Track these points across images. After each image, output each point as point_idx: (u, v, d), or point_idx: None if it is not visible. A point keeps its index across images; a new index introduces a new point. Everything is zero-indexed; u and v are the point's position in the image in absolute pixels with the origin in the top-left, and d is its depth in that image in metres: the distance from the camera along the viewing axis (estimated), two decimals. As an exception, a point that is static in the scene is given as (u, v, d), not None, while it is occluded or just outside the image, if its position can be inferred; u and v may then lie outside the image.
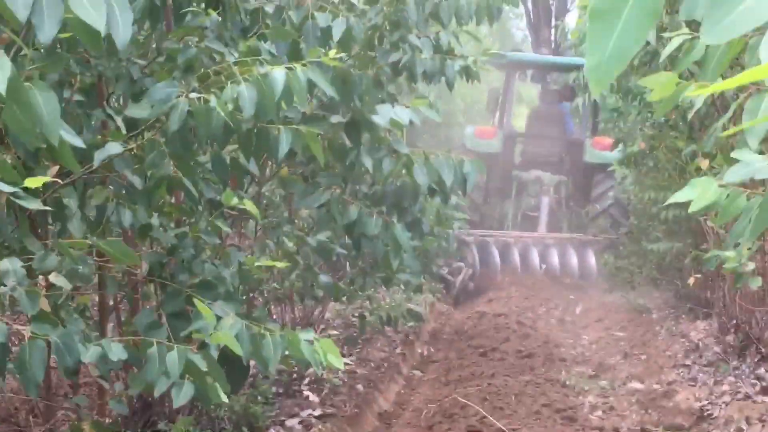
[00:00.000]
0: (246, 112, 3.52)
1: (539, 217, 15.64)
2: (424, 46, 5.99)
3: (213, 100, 3.42)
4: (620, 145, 11.00)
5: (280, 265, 4.16)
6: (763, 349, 8.44)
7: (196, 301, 3.34)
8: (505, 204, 16.51)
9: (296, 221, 5.44)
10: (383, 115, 4.68)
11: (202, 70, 3.75)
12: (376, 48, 6.09)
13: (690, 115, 9.32)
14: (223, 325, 3.40)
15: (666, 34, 3.51)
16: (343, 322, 10.05)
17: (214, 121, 3.46)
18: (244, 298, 4.82)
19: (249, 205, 4.05)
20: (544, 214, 15.63)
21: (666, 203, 11.74)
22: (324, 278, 5.46)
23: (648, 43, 7.89)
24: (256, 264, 4.12)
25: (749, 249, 5.20)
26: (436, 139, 19.11)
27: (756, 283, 5.15)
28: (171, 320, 3.64)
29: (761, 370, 8.23)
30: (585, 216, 15.76)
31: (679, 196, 2.45)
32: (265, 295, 6.22)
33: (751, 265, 5.13)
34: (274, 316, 8.04)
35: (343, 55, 4.94)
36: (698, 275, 10.18)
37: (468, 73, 6.22)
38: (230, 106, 3.50)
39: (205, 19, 4.23)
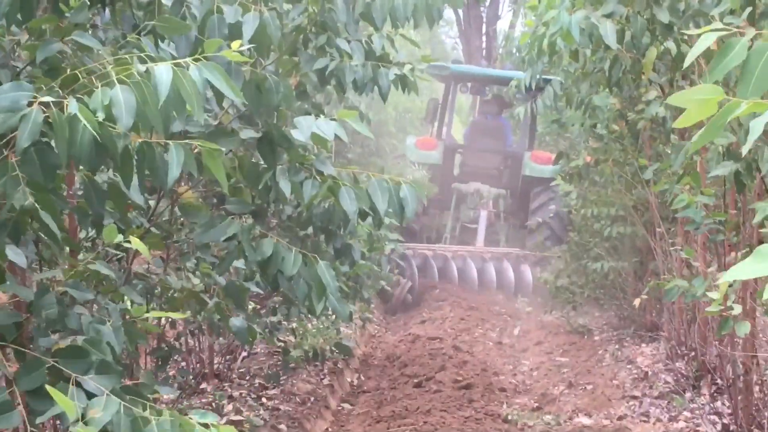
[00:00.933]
0: (122, 123, 2.70)
1: (478, 231, 15.58)
2: (354, 52, 5.20)
3: (74, 106, 2.59)
4: (563, 159, 10.32)
5: (176, 316, 3.36)
6: (719, 381, 7.81)
7: (49, 388, 2.50)
8: (444, 215, 16.49)
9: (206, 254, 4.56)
10: (303, 129, 3.88)
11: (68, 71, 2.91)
12: (300, 52, 5.26)
13: (641, 126, 8.76)
14: (94, 407, 2.59)
15: (689, 32, 2.75)
16: (267, 349, 9.22)
17: (79, 136, 2.64)
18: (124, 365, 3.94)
19: (136, 243, 3.23)
20: (483, 227, 15.59)
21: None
22: (236, 322, 4.62)
23: (605, 47, 7.26)
24: (146, 315, 3.29)
25: (730, 286, 4.49)
26: (366, 150, 18.32)
27: (744, 329, 4.45)
28: (29, 399, 2.80)
29: (719, 404, 7.61)
30: (524, 230, 15.71)
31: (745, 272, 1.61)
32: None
33: (738, 308, 4.41)
34: (182, 364, 7.18)
35: (256, 58, 4.14)
36: (644, 296, 9.50)
37: (404, 82, 5.46)
38: (101, 116, 2.67)
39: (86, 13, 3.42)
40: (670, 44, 6.56)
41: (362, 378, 10.04)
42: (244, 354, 8.88)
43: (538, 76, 8.89)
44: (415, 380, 9.42)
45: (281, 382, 8.43)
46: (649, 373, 9.04)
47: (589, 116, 9.60)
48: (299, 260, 3.95)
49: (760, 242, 6.50)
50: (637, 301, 8.15)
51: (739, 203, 6.25)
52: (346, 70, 5.23)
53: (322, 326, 9.22)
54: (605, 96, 8.94)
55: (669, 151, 10.23)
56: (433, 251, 14.83)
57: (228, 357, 8.64)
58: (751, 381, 6.73)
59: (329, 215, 5.05)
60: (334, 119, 3.99)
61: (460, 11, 34.35)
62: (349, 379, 9.83)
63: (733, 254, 7.55)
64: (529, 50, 8.14)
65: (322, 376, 9.23)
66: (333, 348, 8.15)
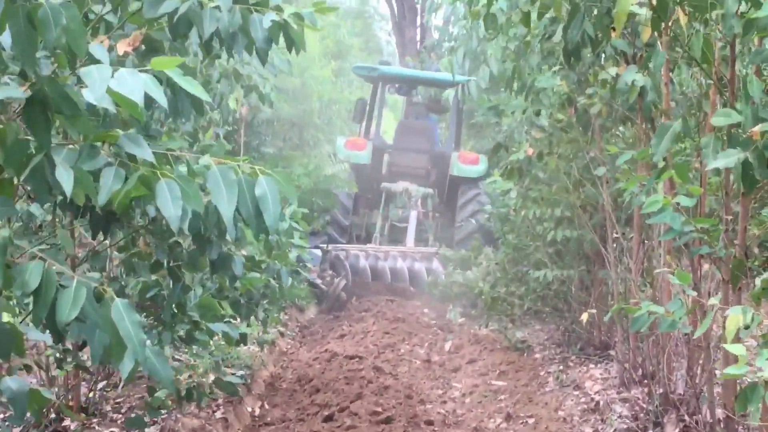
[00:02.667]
0: None
1: (407, 231, 15.82)
2: (214, -11, 3.72)
3: None
4: (500, 152, 8.88)
5: None
6: (687, 418, 6.44)
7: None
8: (373, 215, 16.62)
9: None
10: (95, 84, 2.38)
11: None
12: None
13: (595, 110, 7.37)
14: None
15: None
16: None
17: None
18: None
19: None
20: (412, 227, 15.83)
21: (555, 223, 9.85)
22: (11, 383, 3.06)
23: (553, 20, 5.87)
24: None
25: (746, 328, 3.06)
26: (289, 144, 16.83)
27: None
28: None
29: (689, 448, 6.24)
30: (452, 228, 16.13)
31: None
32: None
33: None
34: None
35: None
36: (592, 310, 8.21)
37: (287, 34, 3.96)
38: None
39: None
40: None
41: (266, 407, 8.51)
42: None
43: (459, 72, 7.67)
44: (326, 411, 7.93)
45: (163, 415, 6.86)
46: (601, 402, 7.67)
47: (532, 101, 8.21)
48: (82, 296, 2.42)
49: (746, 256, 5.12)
50: (584, 316, 6.95)
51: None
52: (206, 15, 3.72)
53: (215, 348, 7.72)
54: (550, 76, 7.55)
55: (620, 141, 8.94)
56: (365, 251, 14.90)
57: (103, 384, 7.10)
58: (735, 429, 5.37)
59: (199, 218, 3.58)
60: (146, 70, 2.48)
61: (394, 2, 33.03)
62: (250, 408, 8.29)
63: (706, 266, 6.24)
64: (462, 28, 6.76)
65: (215, 407, 7.69)
66: (212, 387, 6.61)
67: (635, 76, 5.61)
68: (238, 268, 5.23)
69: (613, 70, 6.47)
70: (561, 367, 9.17)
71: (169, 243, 5.22)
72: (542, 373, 9.29)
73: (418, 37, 31.88)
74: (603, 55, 6.97)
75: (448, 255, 13.69)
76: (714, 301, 4.11)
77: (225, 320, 6.01)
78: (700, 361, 6.18)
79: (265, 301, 6.85)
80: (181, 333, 5.64)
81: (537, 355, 10.13)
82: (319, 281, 13.78)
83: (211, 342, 6.38)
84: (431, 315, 13.00)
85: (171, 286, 5.30)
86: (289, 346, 11.30)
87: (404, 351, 10.76)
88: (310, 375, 9.44)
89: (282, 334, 11.22)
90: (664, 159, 4.56)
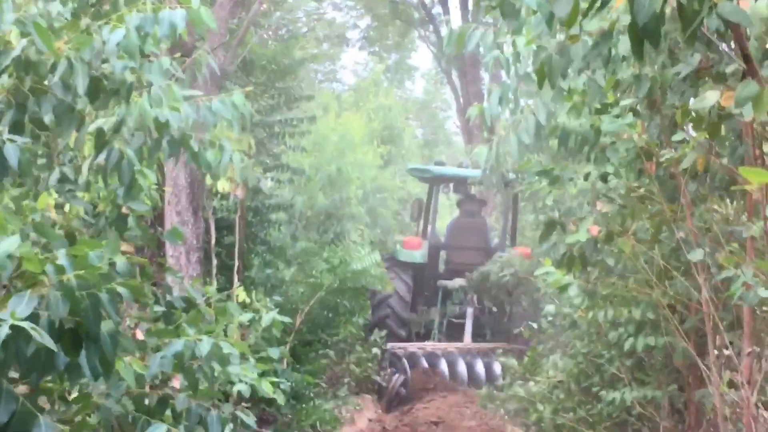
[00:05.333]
0: None
1: (465, 327, 16.17)
2: None
3: None
4: (555, 233, 6.54)
5: None
6: None
7: None
8: (431, 311, 17.01)
9: None
10: None
11: None
12: None
13: (686, 164, 5.06)
14: None
15: None
16: None
17: None
18: None
19: None
20: (469, 323, 16.20)
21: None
22: None
23: None
24: None
25: None
26: (325, 237, 14.71)
27: None
28: None
29: None
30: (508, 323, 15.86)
31: None
32: None
33: None
34: None
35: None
36: None
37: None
38: None
39: None
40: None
41: None
42: None
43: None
44: None
45: None
46: None
47: (595, 160, 5.92)
48: None
49: None
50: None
51: None
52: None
53: None
54: (613, 119, 5.29)
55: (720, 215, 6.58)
56: (423, 349, 15.37)
57: None
58: None
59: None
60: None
61: (459, 89, 31.13)
62: None
63: None
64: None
65: None
66: None
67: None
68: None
69: (714, 97, 4.16)
70: None
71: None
72: None
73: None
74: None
75: (508, 364, 11.34)
76: None
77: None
78: None
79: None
80: None
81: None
82: (378, 378, 14.05)
83: None
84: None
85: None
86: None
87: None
88: None
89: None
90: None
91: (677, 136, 5.06)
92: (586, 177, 6.31)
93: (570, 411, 8.22)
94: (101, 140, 4.84)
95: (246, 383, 4.99)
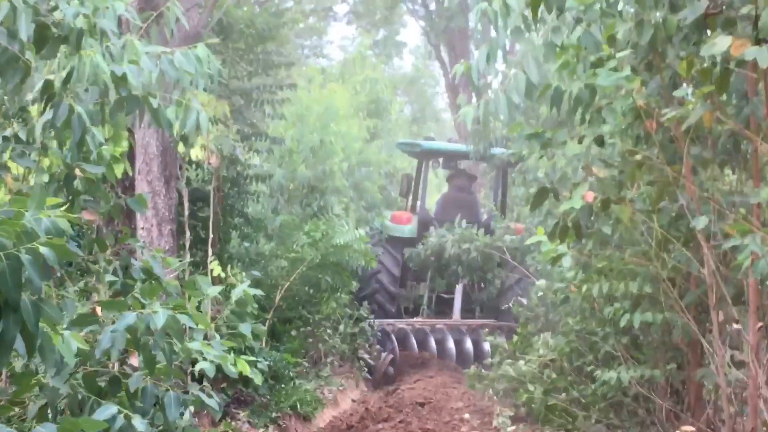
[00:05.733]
0: None
1: (454, 303, 16.15)
2: None
3: None
4: (547, 200, 6.10)
5: None
6: None
7: None
8: (420, 287, 16.98)
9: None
10: None
11: None
12: None
13: (692, 120, 4.62)
14: None
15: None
16: None
17: None
18: None
19: None
20: (458, 299, 16.14)
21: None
22: None
23: None
24: None
25: None
26: (308, 210, 14.28)
27: None
28: None
29: None
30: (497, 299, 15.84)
31: None
32: None
33: None
34: None
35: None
36: (687, 428, 5.58)
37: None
38: None
39: None
40: None
41: None
42: None
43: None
44: None
45: None
46: None
47: (590, 122, 5.49)
48: None
49: None
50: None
51: None
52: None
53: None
54: (611, 72, 4.85)
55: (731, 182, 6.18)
56: (411, 325, 15.20)
57: None
58: None
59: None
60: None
61: (448, 64, 30.71)
62: None
63: None
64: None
65: None
66: None
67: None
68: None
69: (725, 42, 3.73)
70: None
71: None
72: None
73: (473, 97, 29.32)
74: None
75: (496, 342, 10.96)
76: None
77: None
78: None
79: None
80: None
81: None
82: (366, 356, 13.77)
83: None
84: (473, 422, 10.16)
85: None
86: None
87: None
88: None
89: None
90: None
91: (680, 92, 4.62)
92: (581, 140, 5.88)
93: (562, 391, 7.82)
94: (49, 94, 4.38)
95: (211, 361, 4.54)
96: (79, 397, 4.10)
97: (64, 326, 3.88)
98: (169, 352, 4.16)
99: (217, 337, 5.33)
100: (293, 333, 11.68)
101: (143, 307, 3.95)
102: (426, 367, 14.28)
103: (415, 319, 15.94)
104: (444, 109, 41.14)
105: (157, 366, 4.18)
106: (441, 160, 18.60)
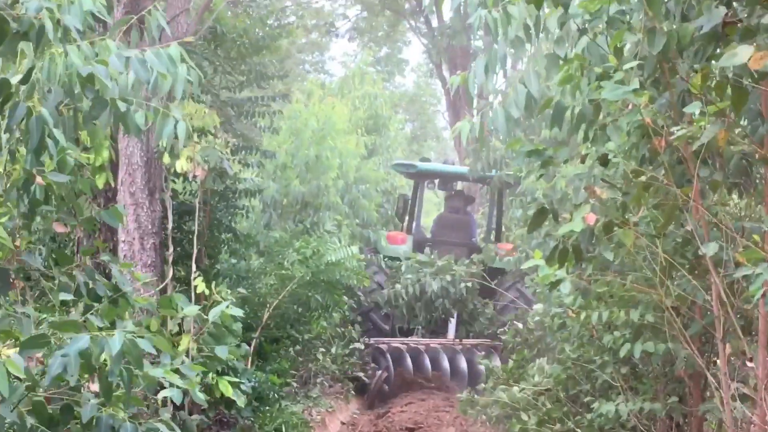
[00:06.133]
0: None
1: (448, 323, 15.98)
2: None
3: None
4: (547, 222, 5.76)
5: None
6: None
7: None
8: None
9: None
10: None
11: None
12: None
13: (706, 138, 4.28)
14: None
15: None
16: None
17: None
18: None
19: None
20: (453, 320, 15.95)
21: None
22: None
23: None
24: None
25: None
26: (301, 227, 13.93)
27: None
28: None
29: None
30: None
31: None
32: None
33: None
34: None
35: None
36: None
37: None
38: None
39: None
40: None
41: None
42: None
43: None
44: None
45: None
46: None
47: (593, 139, 5.15)
48: None
49: None
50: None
51: None
52: None
53: None
54: (617, 86, 4.51)
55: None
56: (406, 345, 15.30)
57: None
58: None
59: None
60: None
61: (447, 73, 30.49)
62: None
63: None
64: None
65: None
66: None
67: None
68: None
69: (746, 53, 3.39)
70: None
71: None
72: None
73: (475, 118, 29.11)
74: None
75: (491, 367, 10.61)
76: None
77: None
78: None
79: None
80: None
81: None
82: (360, 374, 13.84)
83: None
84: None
85: None
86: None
87: None
88: None
89: None
90: None
91: (692, 107, 4.28)
92: (584, 159, 5.55)
93: (557, 422, 7.45)
94: (5, 93, 4.04)
95: (178, 388, 4.17)
96: (28, 426, 3.74)
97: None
98: (128, 379, 3.80)
99: (187, 361, 4.96)
100: (281, 352, 11.34)
101: (95, 327, 3.59)
102: (420, 388, 14.20)
103: (409, 339, 16.00)
104: (445, 128, 40.95)
105: (115, 394, 3.82)
106: (437, 181, 18.77)
